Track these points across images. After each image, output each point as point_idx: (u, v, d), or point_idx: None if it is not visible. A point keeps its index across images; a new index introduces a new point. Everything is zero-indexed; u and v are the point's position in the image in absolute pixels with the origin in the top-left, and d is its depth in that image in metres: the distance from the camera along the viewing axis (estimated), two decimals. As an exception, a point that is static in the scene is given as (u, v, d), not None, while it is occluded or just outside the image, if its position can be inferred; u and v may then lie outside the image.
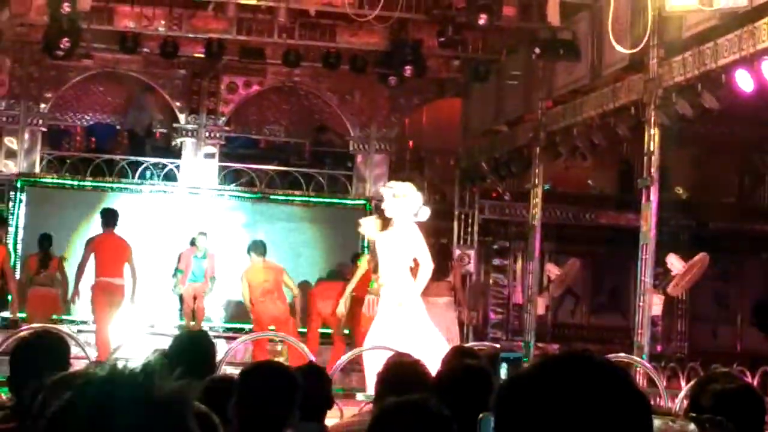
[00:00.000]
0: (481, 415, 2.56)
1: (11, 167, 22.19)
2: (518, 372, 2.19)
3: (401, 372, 5.93)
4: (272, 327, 18.28)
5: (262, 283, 18.41)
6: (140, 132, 24.01)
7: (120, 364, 1.84)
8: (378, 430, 3.69)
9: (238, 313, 21.27)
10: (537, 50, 17.64)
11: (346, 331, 18.99)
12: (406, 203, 14.03)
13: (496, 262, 23.84)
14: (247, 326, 19.92)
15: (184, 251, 20.25)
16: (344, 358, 13.19)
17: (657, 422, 4.88)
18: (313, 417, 5.73)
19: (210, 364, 7.53)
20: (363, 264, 17.25)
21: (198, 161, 22.97)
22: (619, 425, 2.01)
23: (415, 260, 13.96)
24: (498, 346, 14.16)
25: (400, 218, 13.99)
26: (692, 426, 4.59)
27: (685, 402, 9.90)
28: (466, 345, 8.39)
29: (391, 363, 6.28)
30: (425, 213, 14.15)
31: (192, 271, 20.06)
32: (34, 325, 14.58)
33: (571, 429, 1.98)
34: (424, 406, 3.71)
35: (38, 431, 1.80)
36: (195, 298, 20.17)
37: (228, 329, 20.88)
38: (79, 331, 17.06)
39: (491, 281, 23.59)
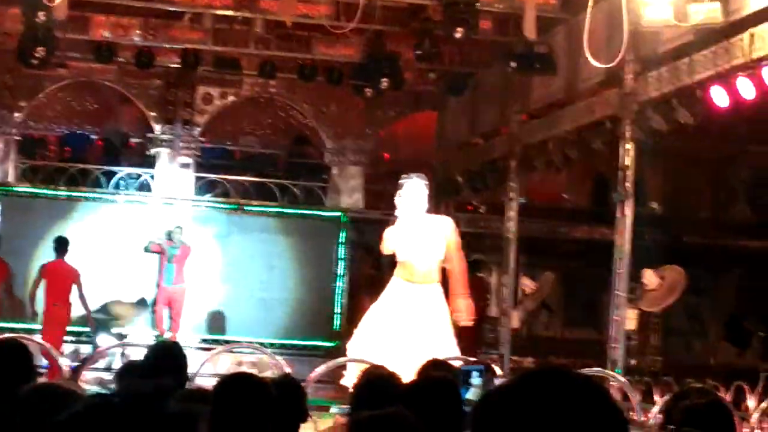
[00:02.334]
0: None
1: (-15, 176, 22.12)
2: (495, 387, 2.18)
3: (376, 384, 5.92)
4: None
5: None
6: (117, 143, 23.98)
7: (129, 385, 1.82)
8: (353, 444, 3.67)
9: (216, 324, 21.28)
10: (513, 64, 17.65)
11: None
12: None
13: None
14: (221, 337, 19.90)
15: (161, 240, 20.46)
16: (319, 370, 13.14)
17: (632, 437, 4.91)
18: (287, 430, 5.70)
19: (183, 375, 7.51)
20: None
21: (173, 171, 22.92)
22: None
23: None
24: (473, 359, 14.10)
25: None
26: (666, 441, 4.61)
27: (659, 417, 9.92)
28: (439, 358, 8.38)
29: (366, 375, 6.27)
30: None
31: (165, 270, 20.18)
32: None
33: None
34: (398, 419, 3.69)
35: None
36: (170, 304, 20.21)
37: (204, 340, 20.79)
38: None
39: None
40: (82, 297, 18.02)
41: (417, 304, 13.70)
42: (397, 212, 14.09)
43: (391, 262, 14.30)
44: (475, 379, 5.78)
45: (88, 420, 1.73)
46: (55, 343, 15.70)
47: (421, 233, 13.81)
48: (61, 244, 18.38)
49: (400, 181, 14.22)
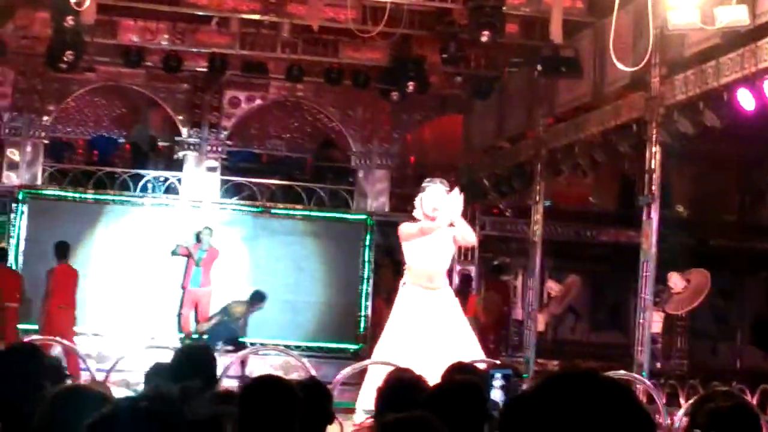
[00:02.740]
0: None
1: (13, 179, 22.24)
2: (522, 390, 2.22)
3: (401, 387, 5.95)
4: None
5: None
6: (144, 147, 24.08)
7: (157, 387, 1.86)
8: (379, 446, 3.71)
9: (249, 326, 21.34)
10: (539, 67, 17.64)
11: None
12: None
13: (498, 278, 23.84)
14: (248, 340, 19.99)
15: (189, 244, 20.63)
16: (345, 371, 13.17)
17: (657, 441, 4.92)
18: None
19: (211, 377, 7.55)
20: None
21: (200, 174, 23.00)
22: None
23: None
24: (498, 362, 14.10)
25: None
26: (690, 443, 4.62)
27: (685, 420, 9.92)
28: (465, 361, 8.41)
29: (391, 378, 6.29)
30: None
31: (193, 272, 20.31)
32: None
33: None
34: (424, 422, 3.72)
35: None
36: (197, 306, 20.33)
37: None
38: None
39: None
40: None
41: (435, 309, 13.70)
42: (416, 214, 14.10)
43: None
44: (498, 381, 5.81)
45: (117, 422, 1.77)
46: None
47: (435, 239, 13.83)
48: (64, 248, 18.84)
49: (423, 184, 14.26)
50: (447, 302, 13.87)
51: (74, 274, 18.69)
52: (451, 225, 13.81)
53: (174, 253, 20.81)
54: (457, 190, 14.06)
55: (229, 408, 1.56)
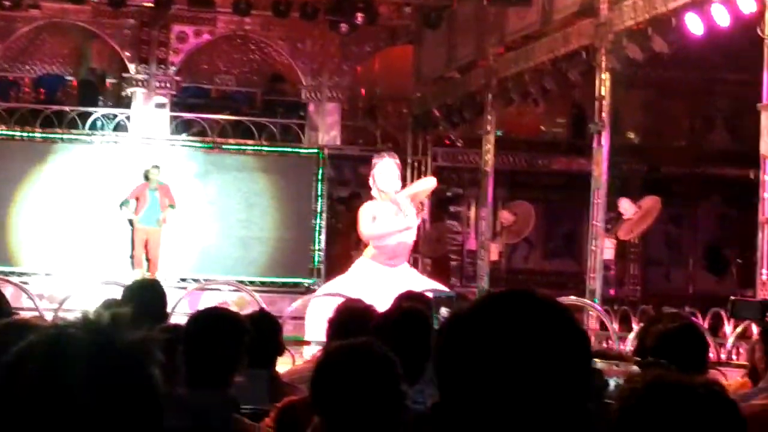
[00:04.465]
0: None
1: (-41, 119, 21.99)
2: (459, 309, 2.18)
3: (351, 317, 5.93)
4: None
5: None
6: (93, 83, 23.86)
7: (86, 314, 1.81)
8: (322, 374, 3.68)
9: (196, 263, 21.27)
10: (488, -5, 17.59)
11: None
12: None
13: (450, 209, 23.88)
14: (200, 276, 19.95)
15: (138, 185, 20.33)
16: (295, 304, 13.17)
17: (602, 365, 4.93)
18: (263, 364, 5.71)
19: (161, 313, 7.52)
20: None
21: (149, 111, 22.82)
22: (558, 361, 2.00)
23: None
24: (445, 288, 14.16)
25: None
26: (635, 368, 4.63)
27: (635, 343, 9.96)
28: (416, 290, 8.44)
29: (341, 308, 6.28)
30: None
31: (145, 210, 20.10)
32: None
33: (509, 363, 1.97)
34: (367, 348, 3.69)
35: None
36: (147, 244, 20.17)
37: (183, 279, 20.72)
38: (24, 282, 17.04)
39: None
40: None
41: (393, 285, 13.66)
42: (373, 192, 14.13)
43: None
44: (444, 309, 5.81)
45: (43, 349, 1.71)
46: None
47: (395, 214, 13.86)
48: None
49: (373, 161, 14.30)
50: (405, 277, 13.83)
51: None
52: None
53: (124, 204, 20.43)
54: (388, 162, 14.15)
55: (159, 334, 1.53)
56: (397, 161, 14.25)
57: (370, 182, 14.24)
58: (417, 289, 13.59)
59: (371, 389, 3.60)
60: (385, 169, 14.07)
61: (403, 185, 15.14)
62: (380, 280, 13.56)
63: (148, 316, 6.03)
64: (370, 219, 14.01)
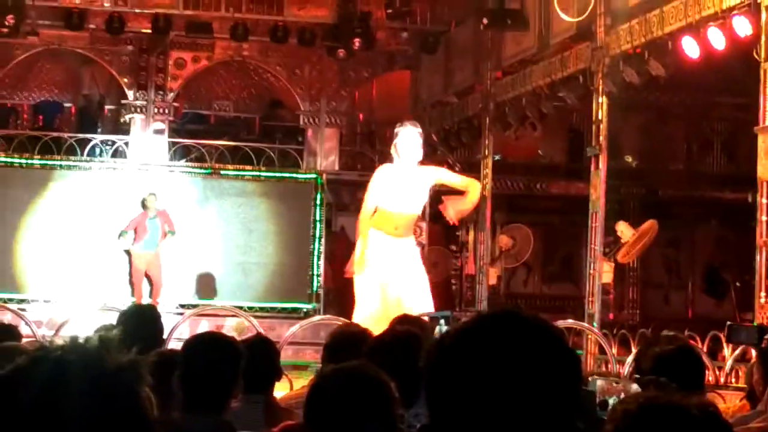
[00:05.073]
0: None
1: (-43, 147, 22.00)
2: (449, 329, 2.19)
3: (346, 341, 5.93)
4: None
5: None
6: (91, 110, 23.89)
7: (74, 337, 1.81)
8: (317, 398, 3.68)
9: (195, 289, 21.24)
10: (485, 20, 17.63)
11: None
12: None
13: (448, 233, 23.85)
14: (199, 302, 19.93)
15: (136, 216, 20.28)
16: (293, 329, 13.15)
17: (601, 382, 4.93)
18: (260, 388, 5.71)
19: (157, 339, 7.51)
20: None
21: (147, 137, 22.82)
22: (546, 380, 2.01)
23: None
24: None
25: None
26: (635, 386, 4.63)
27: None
28: (409, 313, 8.43)
29: (336, 332, 6.28)
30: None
31: (145, 238, 20.06)
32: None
33: (498, 383, 1.98)
34: (362, 372, 3.70)
35: None
36: (148, 270, 20.14)
37: (183, 306, 20.67)
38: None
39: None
40: None
41: (396, 259, 13.54)
42: (396, 161, 13.81)
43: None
44: (442, 328, 5.81)
45: (31, 372, 1.72)
46: None
47: (408, 185, 13.62)
48: None
49: (396, 130, 13.96)
50: (407, 252, 13.69)
51: None
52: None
53: (122, 235, 20.38)
54: (411, 130, 13.83)
55: (148, 356, 1.53)
56: (420, 130, 13.92)
57: (392, 151, 13.89)
58: (407, 271, 13.62)
59: (366, 413, 3.60)
60: (408, 138, 13.73)
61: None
62: (382, 251, 13.37)
63: (141, 340, 6.03)
64: (378, 189, 13.67)
